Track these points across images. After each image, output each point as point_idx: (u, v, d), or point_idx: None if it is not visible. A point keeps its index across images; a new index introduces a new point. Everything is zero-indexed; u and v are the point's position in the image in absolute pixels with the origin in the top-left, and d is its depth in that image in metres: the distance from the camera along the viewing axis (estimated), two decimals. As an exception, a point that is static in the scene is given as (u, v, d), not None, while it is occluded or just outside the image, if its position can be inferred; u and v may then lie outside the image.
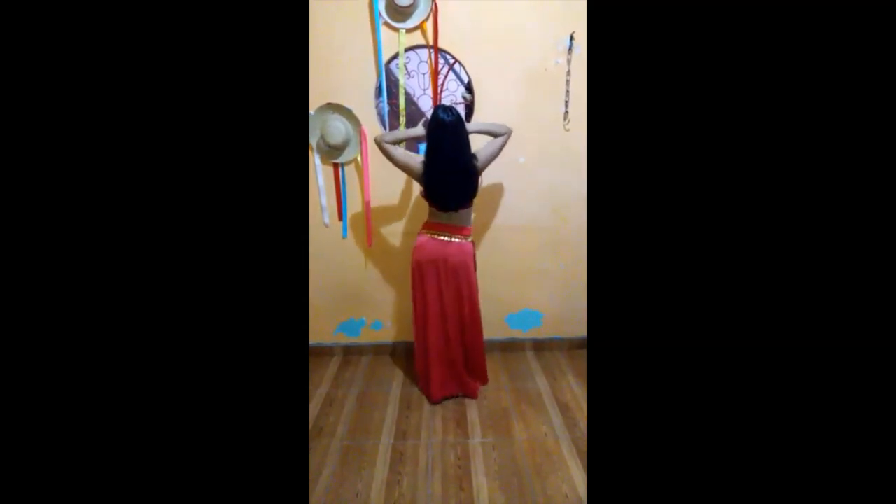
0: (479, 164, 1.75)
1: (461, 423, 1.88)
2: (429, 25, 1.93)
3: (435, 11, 1.90)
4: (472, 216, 1.89)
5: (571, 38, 1.97)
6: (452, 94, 2.06)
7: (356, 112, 2.02)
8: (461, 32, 1.95)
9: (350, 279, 2.29)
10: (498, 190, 2.18)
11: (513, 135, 1.80)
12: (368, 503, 1.49)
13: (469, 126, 1.76)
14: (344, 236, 2.22)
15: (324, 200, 2.15)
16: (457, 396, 2.02)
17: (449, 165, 1.69)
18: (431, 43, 1.96)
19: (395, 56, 1.97)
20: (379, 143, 1.73)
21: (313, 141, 2.05)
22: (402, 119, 2.02)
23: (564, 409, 1.97)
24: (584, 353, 2.45)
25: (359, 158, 2.10)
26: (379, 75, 1.98)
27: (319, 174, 2.11)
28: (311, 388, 2.13)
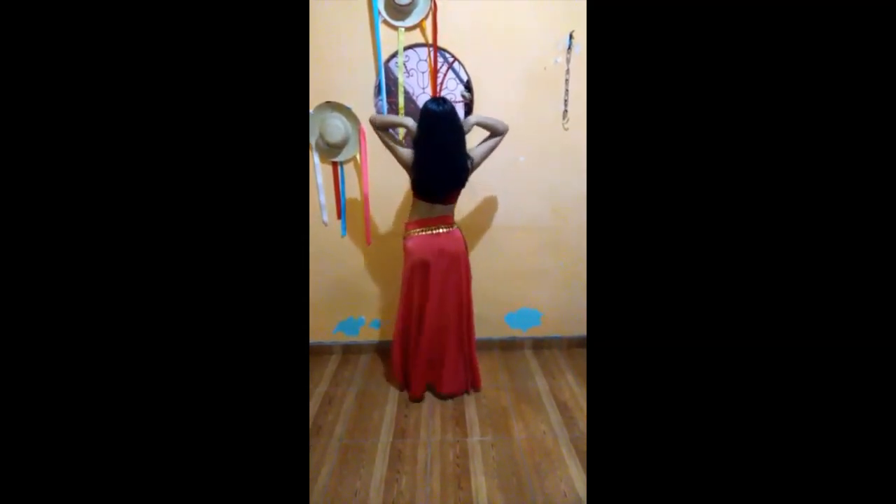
0: (474, 161, 1.75)
1: (460, 421, 1.88)
2: (428, 24, 1.93)
3: (434, 10, 1.90)
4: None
5: (571, 37, 1.97)
6: (452, 93, 2.05)
7: (355, 111, 2.01)
8: (460, 31, 1.95)
9: (349, 278, 2.29)
10: (498, 189, 2.18)
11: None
12: (367, 502, 1.49)
13: (470, 119, 1.75)
14: (343, 235, 2.22)
15: (323, 199, 2.15)
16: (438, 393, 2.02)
17: (439, 153, 1.68)
18: (431, 41, 1.95)
19: (395, 54, 1.97)
20: (372, 123, 1.74)
21: (312, 139, 2.05)
22: (400, 115, 2.02)
23: (563, 408, 1.98)
24: (583, 352, 2.45)
25: (358, 157, 2.10)
26: (378, 74, 1.98)
27: (318, 173, 2.11)
28: (310, 386, 2.13)
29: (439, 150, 1.68)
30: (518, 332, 2.44)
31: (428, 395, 2.04)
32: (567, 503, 1.49)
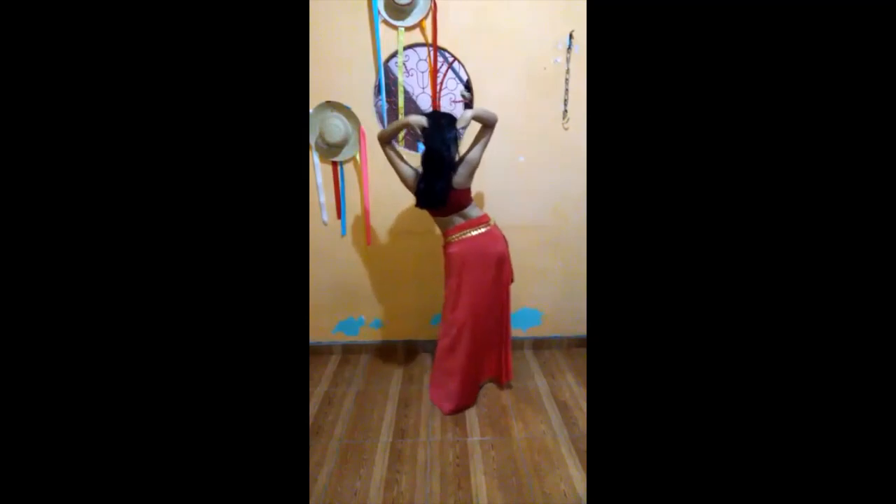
0: (472, 160, 1.71)
1: (460, 421, 1.88)
2: (428, 23, 1.93)
3: (434, 9, 1.90)
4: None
5: (570, 36, 1.97)
6: (451, 93, 2.05)
7: (355, 110, 2.01)
8: (460, 30, 1.95)
9: (349, 277, 2.29)
10: (498, 189, 2.18)
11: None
12: (367, 502, 1.49)
13: (467, 113, 1.70)
14: (343, 234, 2.22)
15: (322, 198, 2.15)
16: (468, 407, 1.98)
17: (430, 164, 1.69)
18: (430, 41, 1.95)
19: (394, 54, 1.97)
20: (380, 139, 1.73)
21: (312, 139, 2.05)
22: (401, 117, 2.02)
23: (563, 407, 1.98)
24: (582, 351, 2.45)
25: (357, 157, 2.10)
26: (378, 73, 1.98)
27: (318, 172, 2.11)
28: (310, 386, 2.13)
29: (429, 159, 1.69)
30: (518, 332, 2.44)
31: (428, 396, 2.04)
32: (567, 503, 1.49)
